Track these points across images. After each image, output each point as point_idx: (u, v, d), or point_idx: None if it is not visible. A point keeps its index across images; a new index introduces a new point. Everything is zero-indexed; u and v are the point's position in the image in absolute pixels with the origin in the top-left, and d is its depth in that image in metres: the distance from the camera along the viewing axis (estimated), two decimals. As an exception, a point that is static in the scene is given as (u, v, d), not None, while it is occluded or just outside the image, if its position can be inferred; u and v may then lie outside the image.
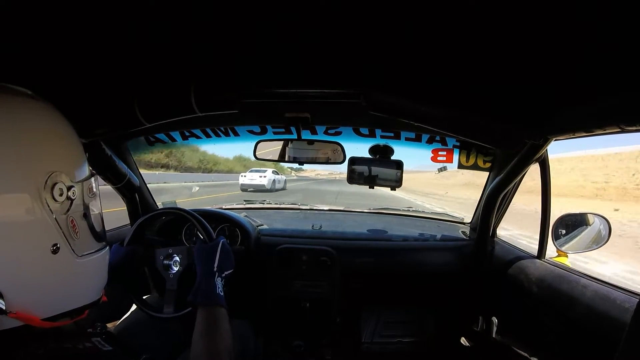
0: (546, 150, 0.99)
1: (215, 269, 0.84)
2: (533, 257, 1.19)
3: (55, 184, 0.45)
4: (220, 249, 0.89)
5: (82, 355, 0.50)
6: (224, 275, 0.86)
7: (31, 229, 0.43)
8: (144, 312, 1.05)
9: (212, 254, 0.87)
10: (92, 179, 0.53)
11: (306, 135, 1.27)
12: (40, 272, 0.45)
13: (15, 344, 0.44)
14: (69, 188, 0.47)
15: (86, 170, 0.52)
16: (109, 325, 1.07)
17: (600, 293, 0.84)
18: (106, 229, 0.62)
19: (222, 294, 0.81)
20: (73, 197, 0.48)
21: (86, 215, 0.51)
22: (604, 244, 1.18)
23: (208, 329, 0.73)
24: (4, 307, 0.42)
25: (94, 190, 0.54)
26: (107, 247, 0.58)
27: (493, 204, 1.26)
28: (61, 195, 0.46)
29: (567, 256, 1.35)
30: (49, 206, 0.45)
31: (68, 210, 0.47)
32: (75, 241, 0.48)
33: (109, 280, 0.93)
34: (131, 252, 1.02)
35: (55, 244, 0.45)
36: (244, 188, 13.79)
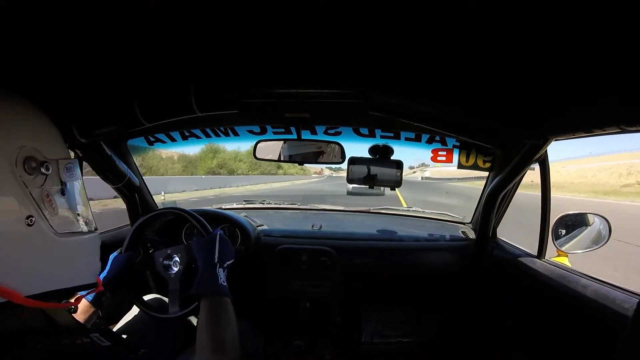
0: (546, 150, 0.99)
1: (216, 260, 0.84)
2: (533, 257, 1.19)
3: (26, 157, 0.47)
4: (218, 240, 0.88)
5: (81, 350, 0.50)
6: (225, 265, 0.86)
7: (3, 199, 0.45)
8: (151, 315, 1.04)
9: (211, 246, 0.87)
10: (72, 162, 0.54)
11: (306, 135, 1.27)
12: (16, 244, 0.46)
13: (13, 339, 0.44)
14: (41, 163, 0.49)
15: (62, 151, 0.54)
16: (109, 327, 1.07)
17: (600, 293, 0.83)
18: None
19: (225, 284, 0.81)
20: (47, 172, 0.50)
21: (64, 192, 0.53)
22: (604, 244, 1.18)
23: (211, 318, 0.73)
24: None
25: (74, 172, 0.55)
26: (97, 233, 0.59)
27: (493, 204, 1.26)
28: (34, 168, 0.48)
29: (567, 256, 1.36)
30: (21, 178, 0.47)
31: (42, 184, 0.49)
32: (53, 217, 0.50)
33: (114, 290, 0.92)
34: (130, 259, 1.02)
35: (30, 216, 0.47)
36: (355, 192, 11.20)
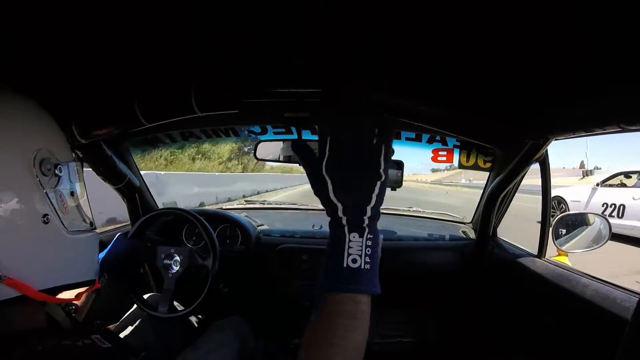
0: (546, 150, 0.99)
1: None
2: (533, 256, 1.19)
3: (43, 159, 0.50)
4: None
5: (82, 352, 0.50)
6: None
7: (23, 198, 0.48)
8: (140, 308, 1.05)
9: None
10: (76, 164, 0.58)
11: (307, 135, 1.27)
12: (33, 240, 0.49)
13: (15, 339, 0.44)
14: (55, 165, 0.52)
15: (69, 154, 0.58)
16: (109, 327, 1.08)
17: (600, 292, 0.83)
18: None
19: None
20: (60, 174, 0.53)
21: (73, 194, 0.56)
22: (604, 244, 1.19)
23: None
24: None
25: (80, 174, 0.59)
26: (96, 232, 0.62)
27: (493, 203, 1.26)
28: (49, 170, 0.51)
29: (567, 255, 1.36)
30: (38, 179, 0.50)
31: (56, 185, 0.53)
32: (65, 216, 0.53)
33: (111, 270, 0.93)
34: (134, 246, 1.03)
35: (46, 215, 0.50)
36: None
